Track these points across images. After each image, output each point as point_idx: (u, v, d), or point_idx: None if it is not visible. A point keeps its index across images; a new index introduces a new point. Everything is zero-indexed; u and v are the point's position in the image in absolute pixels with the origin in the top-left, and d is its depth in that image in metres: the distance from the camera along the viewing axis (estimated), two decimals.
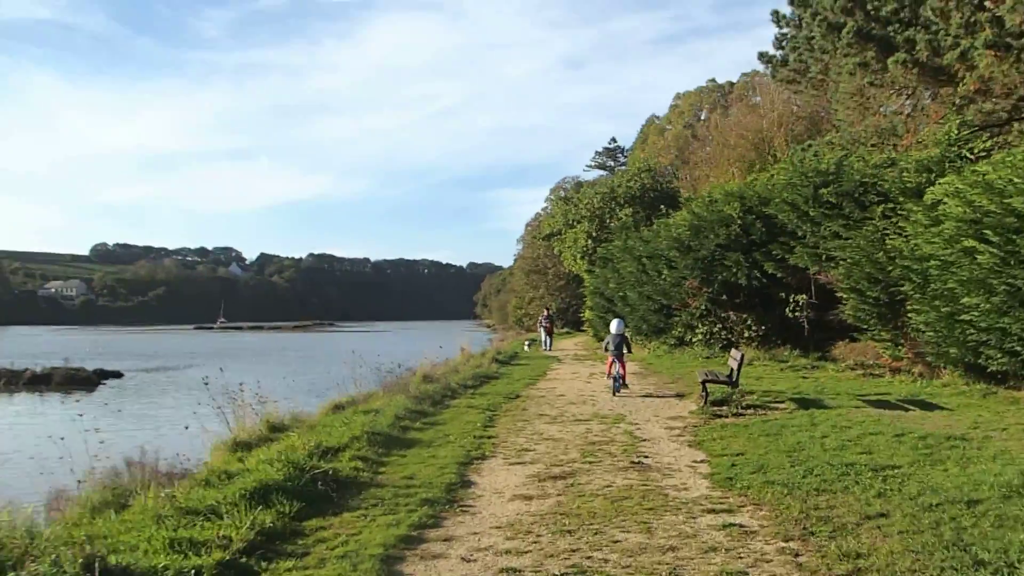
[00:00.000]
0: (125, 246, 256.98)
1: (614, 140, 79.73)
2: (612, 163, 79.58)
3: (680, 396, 16.06)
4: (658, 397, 16.02)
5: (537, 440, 11.16)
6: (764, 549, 5.87)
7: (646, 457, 9.63)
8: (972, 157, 17.25)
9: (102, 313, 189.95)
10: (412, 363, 23.90)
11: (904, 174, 18.78)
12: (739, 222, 24.58)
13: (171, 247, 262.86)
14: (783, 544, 5.94)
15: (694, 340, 25.97)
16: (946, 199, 14.80)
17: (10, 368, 39.08)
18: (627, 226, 38.34)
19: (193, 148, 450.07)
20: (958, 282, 13.63)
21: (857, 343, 20.78)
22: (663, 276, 27.76)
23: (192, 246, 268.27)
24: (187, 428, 10.96)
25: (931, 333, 15.08)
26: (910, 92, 26.48)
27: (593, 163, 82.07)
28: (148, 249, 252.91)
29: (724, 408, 13.21)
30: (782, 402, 13.97)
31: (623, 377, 16.77)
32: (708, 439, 10.63)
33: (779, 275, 23.34)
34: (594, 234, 43.90)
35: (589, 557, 5.83)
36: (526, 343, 35.86)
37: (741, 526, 6.47)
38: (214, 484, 8.15)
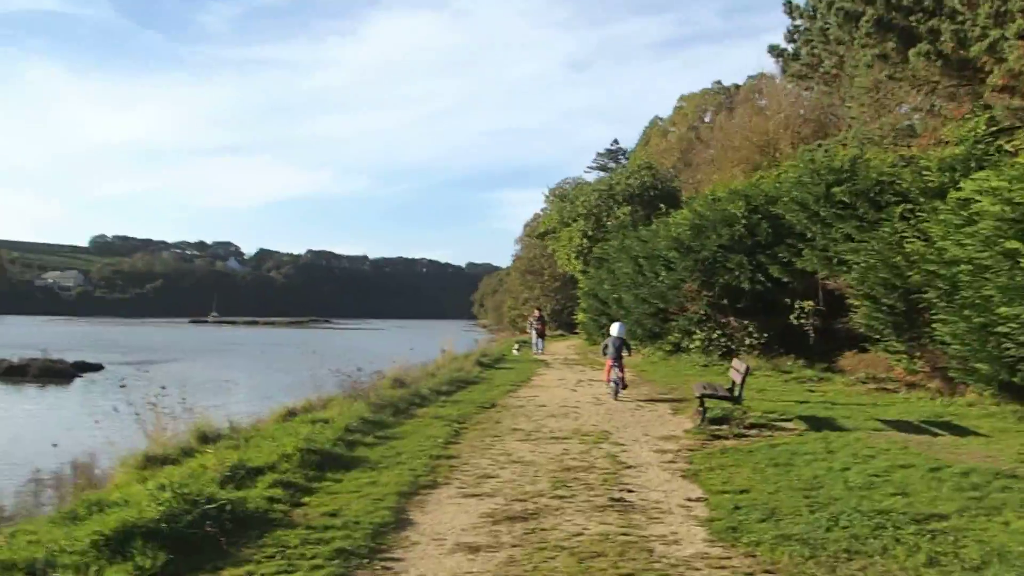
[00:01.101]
0: (124, 238, 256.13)
1: (616, 142, 77.62)
2: (613, 164, 77.58)
3: (675, 409, 14.33)
4: (649, 411, 14.28)
5: (504, 463, 9.43)
6: None
7: (630, 491, 7.88)
8: (1012, 151, 15.59)
9: (99, 304, 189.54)
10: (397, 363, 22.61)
11: (925, 173, 17.24)
12: (744, 222, 23.13)
13: (170, 240, 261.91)
14: None
15: (691, 347, 24.52)
16: (978, 196, 13.13)
17: None
18: (624, 225, 36.54)
19: (194, 142, 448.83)
20: (997, 289, 11.92)
21: (866, 354, 19.27)
22: (661, 278, 26.32)
23: (191, 240, 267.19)
24: (55, 446, 9.23)
25: (958, 346, 13.40)
26: (931, 88, 24.97)
27: (595, 164, 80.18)
28: (147, 242, 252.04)
29: (724, 427, 11.45)
30: (789, 420, 12.28)
31: (622, 380, 16.22)
32: (705, 468, 8.87)
33: (785, 279, 21.94)
34: (590, 233, 41.99)
35: None
36: (515, 346, 34.07)
37: None
38: (81, 519, 6.45)
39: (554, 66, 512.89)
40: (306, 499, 7.58)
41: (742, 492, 7.62)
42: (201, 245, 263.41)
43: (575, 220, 44.22)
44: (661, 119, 73.10)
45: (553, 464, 9.28)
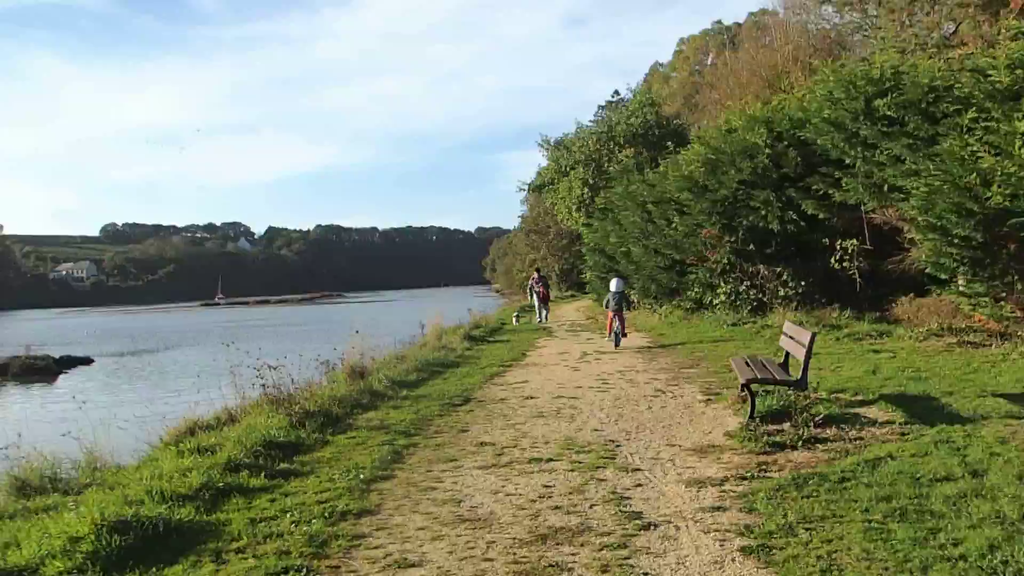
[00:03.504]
0: (135, 225, 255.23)
1: (617, 93, 72.64)
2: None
3: (707, 393, 10.76)
4: (672, 397, 10.68)
5: (444, 523, 5.87)
6: None
7: None
8: None
9: (112, 293, 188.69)
10: (399, 335, 20.56)
11: (990, 74, 13.66)
12: (767, 152, 19.80)
13: (180, 224, 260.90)
14: None
15: (716, 302, 21.45)
16: None
17: None
18: (628, 169, 32.86)
19: (200, 123, 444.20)
20: None
21: (927, 298, 16.31)
22: (673, 225, 23.13)
23: (200, 222, 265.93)
24: None
25: None
26: None
27: (596, 117, 75.99)
28: (157, 227, 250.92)
29: (785, 427, 7.80)
30: (872, 402, 8.74)
31: (623, 331, 18.05)
32: (780, 528, 5.14)
33: (821, 216, 18.68)
34: (591, 181, 38.15)
35: None
36: (515, 313, 30.42)
37: None
38: None
39: (553, 23, 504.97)
40: None
41: None
42: (211, 227, 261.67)
43: (573, 168, 40.29)
44: (662, 64, 69.25)
45: (523, 525, 5.72)
